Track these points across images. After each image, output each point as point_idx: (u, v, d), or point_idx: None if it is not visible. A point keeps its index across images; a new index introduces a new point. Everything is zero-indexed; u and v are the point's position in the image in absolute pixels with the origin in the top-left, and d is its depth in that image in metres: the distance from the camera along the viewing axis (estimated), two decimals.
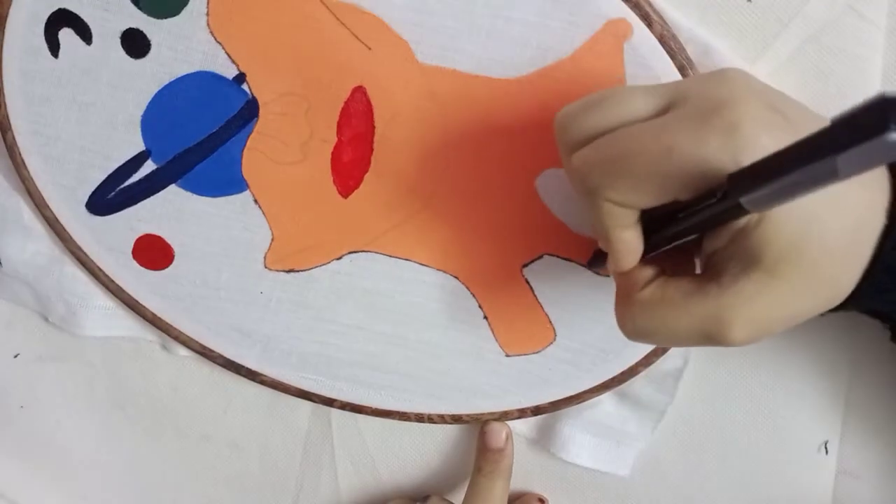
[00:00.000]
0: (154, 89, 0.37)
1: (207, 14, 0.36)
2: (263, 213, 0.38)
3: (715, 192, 0.25)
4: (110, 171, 0.38)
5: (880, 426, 0.40)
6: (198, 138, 0.37)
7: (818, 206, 0.26)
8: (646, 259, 0.30)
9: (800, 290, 0.27)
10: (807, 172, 0.20)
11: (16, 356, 0.45)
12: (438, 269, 0.39)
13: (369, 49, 0.36)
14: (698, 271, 0.31)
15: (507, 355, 0.40)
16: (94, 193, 0.39)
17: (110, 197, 0.39)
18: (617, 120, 0.28)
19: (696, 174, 0.25)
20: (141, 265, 0.40)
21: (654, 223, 0.29)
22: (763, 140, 0.25)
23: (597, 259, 0.36)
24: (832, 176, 0.20)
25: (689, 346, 0.30)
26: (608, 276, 0.37)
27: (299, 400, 0.42)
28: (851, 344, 0.39)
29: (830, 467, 0.40)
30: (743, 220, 0.26)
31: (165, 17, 0.36)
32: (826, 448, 0.40)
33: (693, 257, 0.32)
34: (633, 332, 0.30)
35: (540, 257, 0.38)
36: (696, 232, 0.28)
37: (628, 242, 0.29)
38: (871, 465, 0.40)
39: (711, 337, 0.28)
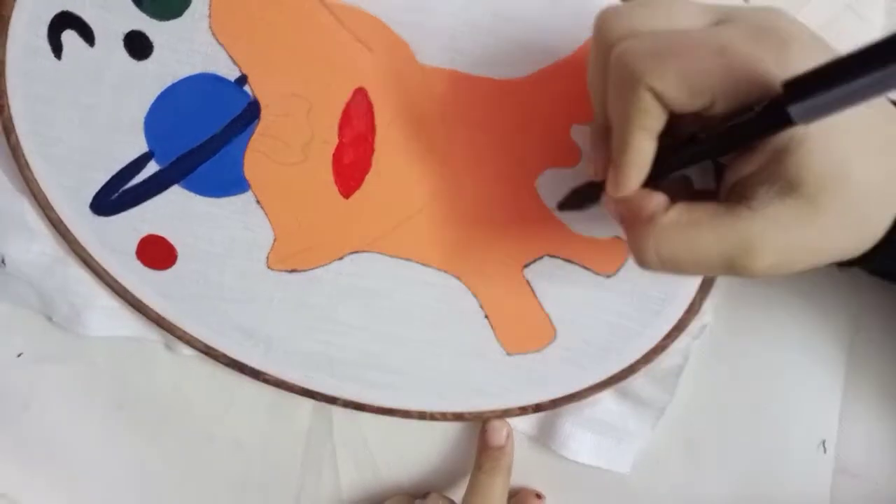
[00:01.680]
0: (157, 91, 0.37)
1: (209, 16, 0.36)
2: (265, 213, 0.39)
3: (752, 106, 0.25)
4: (114, 172, 0.39)
5: (878, 425, 0.40)
6: (200, 140, 0.38)
7: (861, 140, 0.26)
8: (652, 185, 0.29)
9: (834, 222, 0.27)
10: (873, 77, 0.21)
11: (18, 356, 0.45)
12: (440, 270, 0.39)
13: (370, 50, 0.36)
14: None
15: (509, 354, 0.40)
16: (97, 194, 0.39)
17: (114, 198, 0.39)
18: (666, 22, 0.28)
19: (743, 78, 0.25)
20: (144, 265, 0.40)
21: (661, 154, 0.28)
22: (809, 62, 0.24)
23: (576, 196, 0.35)
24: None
25: (712, 273, 0.29)
26: (583, 209, 0.35)
27: (300, 398, 0.42)
28: (849, 344, 0.39)
29: (828, 466, 0.40)
30: (779, 144, 0.26)
31: (168, 19, 0.36)
32: (824, 446, 0.40)
33: (693, 188, 0.31)
34: (655, 259, 0.29)
35: (541, 258, 0.38)
36: (726, 150, 0.28)
37: (644, 153, 0.28)
38: (869, 464, 0.40)
39: (736, 262, 0.27)
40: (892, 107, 0.28)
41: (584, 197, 0.34)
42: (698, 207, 0.28)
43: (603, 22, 0.29)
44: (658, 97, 0.26)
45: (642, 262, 0.29)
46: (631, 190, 0.29)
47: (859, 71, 0.21)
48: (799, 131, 0.26)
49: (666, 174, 0.29)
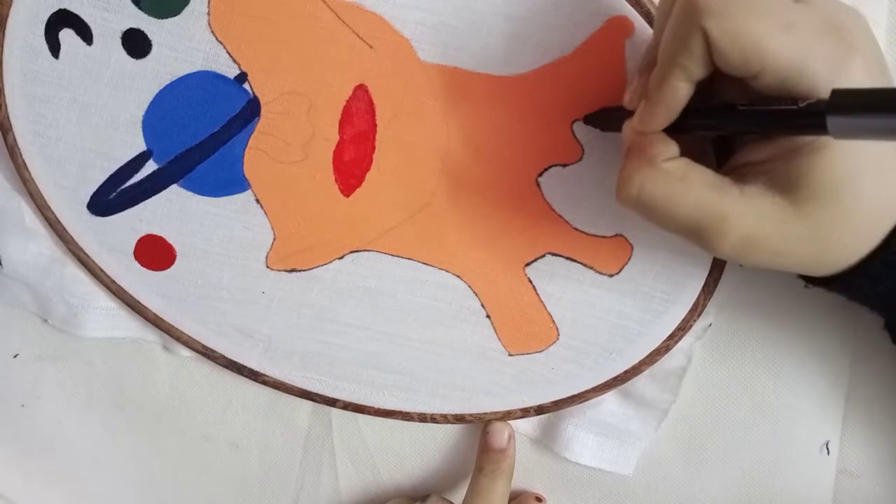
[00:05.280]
0: (155, 89, 0.37)
1: (208, 14, 0.36)
2: (265, 212, 0.38)
3: (797, 100, 0.25)
4: (112, 171, 0.38)
5: (881, 426, 0.40)
6: (199, 138, 0.37)
7: (868, 168, 0.26)
8: (672, 133, 0.29)
9: (810, 235, 0.27)
10: None
11: (15, 356, 0.45)
12: (441, 269, 0.39)
13: (371, 47, 0.36)
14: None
15: (510, 354, 0.40)
16: (95, 194, 0.39)
17: (112, 197, 0.39)
18: None
19: (796, 66, 0.25)
20: (142, 266, 0.40)
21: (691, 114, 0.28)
22: (866, 79, 0.24)
23: (605, 115, 0.35)
24: None
25: (675, 231, 0.29)
26: (604, 131, 0.35)
27: (299, 399, 0.42)
28: (852, 345, 0.39)
29: (831, 467, 0.40)
30: (797, 144, 0.26)
31: (166, 17, 0.36)
32: (827, 448, 0.40)
33: (707, 157, 0.31)
34: (635, 195, 0.29)
35: (543, 256, 0.38)
36: (753, 130, 0.28)
37: (678, 94, 0.28)
38: (872, 465, 0.40)
39: (703, 233, 0.28)
40: None
41: (610, 120, 0.34)
42: (696, 169, 0.29)
43: None
44: (708, 44, 0.26)
45: (621, 194, 0.30)
46: (654, 129, 0.29)
47: None
48: (821, 139, 0.26)
49: (689, 131, 0.29)
